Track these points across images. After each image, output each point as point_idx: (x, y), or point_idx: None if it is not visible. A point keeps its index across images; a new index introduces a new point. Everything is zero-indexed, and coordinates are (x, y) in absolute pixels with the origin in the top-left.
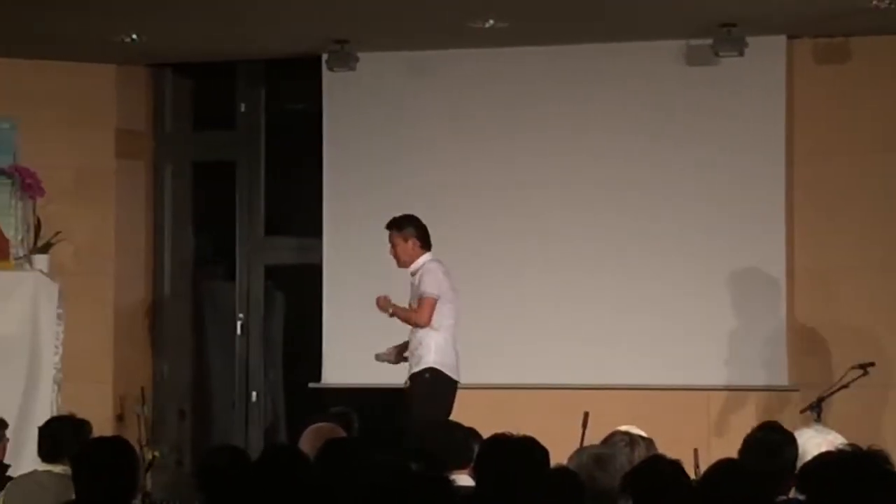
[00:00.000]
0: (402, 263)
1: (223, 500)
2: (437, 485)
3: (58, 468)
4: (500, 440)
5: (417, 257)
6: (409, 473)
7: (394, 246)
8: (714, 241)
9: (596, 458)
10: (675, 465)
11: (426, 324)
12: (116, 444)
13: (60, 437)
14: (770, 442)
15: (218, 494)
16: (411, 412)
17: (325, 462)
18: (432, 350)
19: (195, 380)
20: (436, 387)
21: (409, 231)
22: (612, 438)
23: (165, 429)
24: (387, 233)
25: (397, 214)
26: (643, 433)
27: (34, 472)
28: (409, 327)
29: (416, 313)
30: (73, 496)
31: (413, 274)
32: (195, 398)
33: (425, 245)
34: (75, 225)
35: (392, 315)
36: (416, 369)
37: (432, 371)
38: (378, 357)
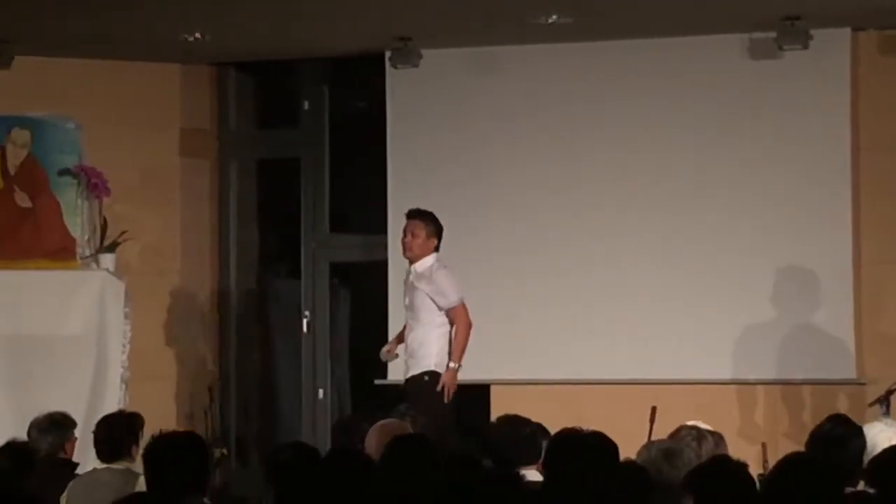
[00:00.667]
0: (412, 255)
1: (293, 496)
2: (508, 480)
3: (118, 465)
4: (570, 435)
5: (426, 255)
6: (480, 469)
7: (413, 236)
8: (780, 234)
9: (665, 452)
10: (739, 466)
11: (470, 324)
12: (189, 439)
13: (115, 435)
14: (837, 435)
15: (288, 491)
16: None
17: (391, 459)
18: (434, 353)
19: (261, 378)
20: (434, 389)
21: (432, 228)
22: (680, 433)
23: (231, 427)
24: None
25: (421, 208)
26: (710, 428)
27: (94, 470)
28: (408, 323)
29: (462, 330)
30: (134, 490)
31: (418, 271)
32: (261, 396)
33: (437, 247)
34: (141, 224)
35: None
36: (414, 371)
37: (432, 374)
38: (383, 356)
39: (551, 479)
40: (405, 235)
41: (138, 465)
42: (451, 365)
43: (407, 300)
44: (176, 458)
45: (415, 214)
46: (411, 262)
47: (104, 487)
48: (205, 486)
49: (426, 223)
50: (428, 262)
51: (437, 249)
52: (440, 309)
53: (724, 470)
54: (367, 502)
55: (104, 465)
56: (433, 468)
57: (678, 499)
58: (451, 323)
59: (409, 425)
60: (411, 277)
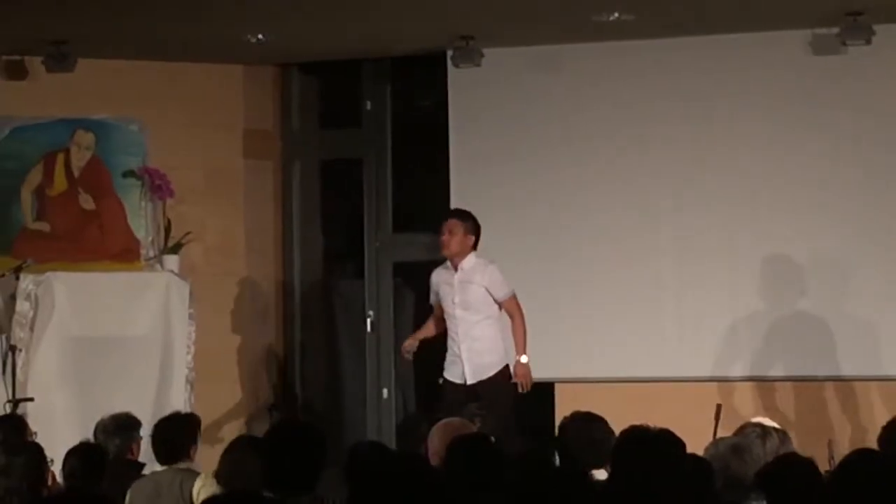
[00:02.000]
0: (452, 253)
1: (369, 495)
2: (576, 480)
3: (178, 465)
4: (638, 432)
5: (466, 252)
6: (548, 469)
7: (452, 234)
8: (843, 232)
9: (732, 447)
10: (809, 464)
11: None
12: (308, 428)
13: (173, 436)
14: None
15: (364, 489)
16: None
17: (457, 459)
18: (503, 348)
19: (326, 377)
20: (510, 385)
21: (472, 228)
22: (745, 430)
23: None
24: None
25: (463, 208)
26: (776, 424)
27: (154, 472)
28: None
29: (522, 320)
30: (193, 489)
31: (466, 268)
32: (326, 396)
33: (475, 247)
34: (205, 225)
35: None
36: (491, 370)
37: (507, 369)
38: (406, 351)
39: (619, 476)
40: (442, 234)
41: (197, 466)
42: (523, 359)
43: (457, 299)
44: (296, 443)
45: (452, 213)
46: (451, 259)
47: (164, 488)
48: (320, 472)
49: (463, 221)
50: (473, 258)
51: (475, 247)
52: (495, 301)
53: (794, 467)
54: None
55: (164, 467)
56: (499, 468)
57: (747, 493)
58: (508, 314)
59: (478, 424)
60: (458, 276)
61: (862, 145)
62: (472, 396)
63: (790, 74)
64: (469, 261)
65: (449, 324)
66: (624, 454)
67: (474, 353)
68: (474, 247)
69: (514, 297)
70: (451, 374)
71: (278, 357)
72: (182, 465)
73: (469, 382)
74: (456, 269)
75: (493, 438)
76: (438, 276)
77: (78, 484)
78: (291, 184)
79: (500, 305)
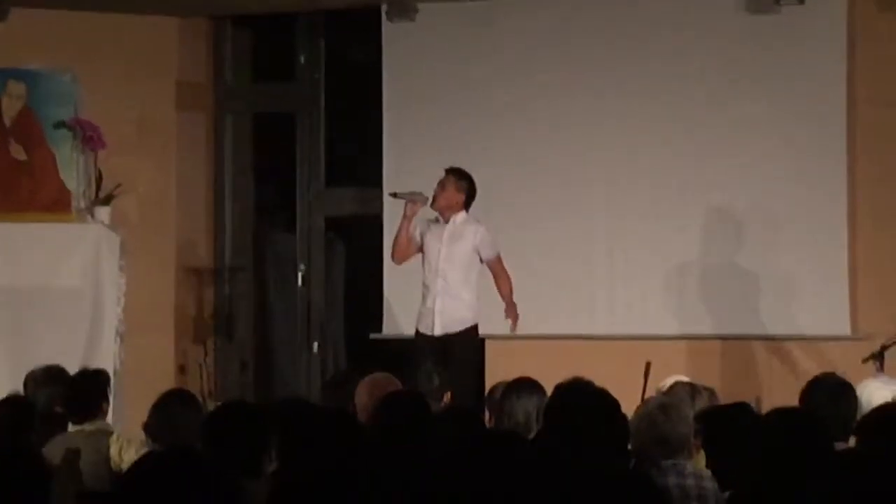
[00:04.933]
0: (441, 207)
1: (297, 452)
2: (504, 438)
3: (90, 426)
4: (573, 388)
5: (453, 208)
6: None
7: (444, 188)
8: (775, 188)
9: (661, 406)
10: (744, 406)
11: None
12: (254, 412)
13: (84, 394)
14: (830, 389)
15: (291, 447)
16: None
17: (383, 415)
18: (477, 306)
19: (256, 331)
20: (478, 343)
21: (464, 186)
22: (674, 389)
23: (227, 380)
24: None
25: (455, 166)
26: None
27: (66, 434)
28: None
29: (506, 279)
30: (109, 450)
31: (457, 223)
32: (256, 349)
33: (467, 206)
34: (136, 177)
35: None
36: (462, 326)
37: (476, 328)
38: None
39: (552, 431)
40: (436, 187)
41: (108, 423)
42: (514, 303)
43: (444, 252)
44: (237, 432)
45: (451, 171)
46: (441, 213)
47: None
48: (266, 455)
49: (456, 178)
50: (463, 215)
51: (466, 207)
52: (482, 261)
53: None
54: (361, 462)
55: (76, 427)
56: (429, 425)
57: (673, 452)
58: (494, 273)
59: (436, 382)
60: (449, 229)
61: (796, 103)
62: (439, 348)
63: (725, 33)
64: (460, 217)
65: (426, 275)
66: (560, 409)
67: (447, 310)
68: (465, 206)
69: (500, 258)
70: (422, 325)
71: (209, 310)
72: (94, 426)
73: (437, 334)
74: (447, 222)
75: (448, 394)
76: (424, 227)
77: (6, 437)
78: (224, 137)
79: (488, 265)
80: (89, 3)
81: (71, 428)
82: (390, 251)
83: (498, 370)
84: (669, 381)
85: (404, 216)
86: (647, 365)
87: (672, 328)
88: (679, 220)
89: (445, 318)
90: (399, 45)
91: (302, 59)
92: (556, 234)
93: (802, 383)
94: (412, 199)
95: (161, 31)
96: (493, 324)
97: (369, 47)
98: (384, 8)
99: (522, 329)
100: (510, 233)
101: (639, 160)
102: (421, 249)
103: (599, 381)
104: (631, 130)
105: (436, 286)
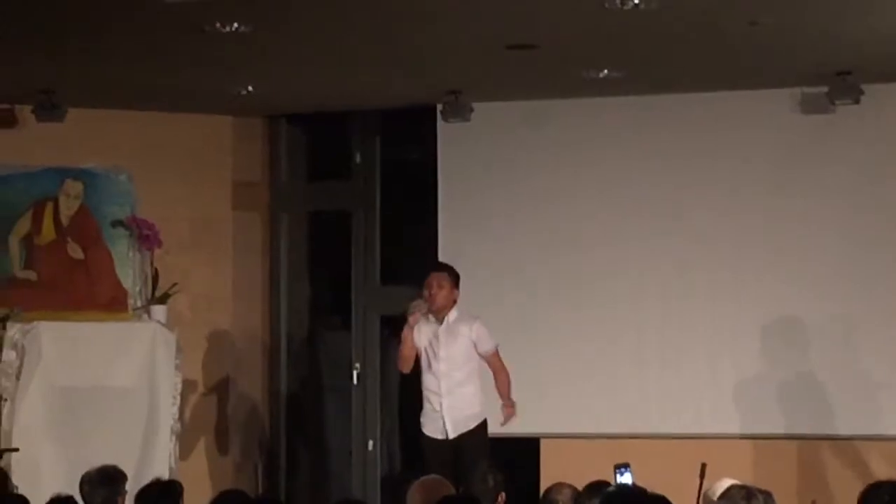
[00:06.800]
0: (439, 307)
1: None
2: None
3: None
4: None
5: (451, 306)
6: None
7: (441, 288)
8: (832, 288)
9: None
10: None
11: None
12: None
13: None
14: (889, 497)
15: None
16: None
17: None
18: (482, 402)
19: (312, 430)
20: (487, 438)
21: (456, 282)
22: (730, 492)
23: (282, 480)
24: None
25: (447, 263)
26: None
27: None
28: (441, 376)
29: (504, 374)
30: None
31: (451, 321)
32: (312, 448)
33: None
34: (192, 276)
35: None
36: (473, 423)
37: (485, 423)
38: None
39: None
40: (430, 287)
41: None
42: (513, 400)
43: (443, 353)
44: None
45: (441, 267)
46: (437, 313)
47: None
48: None
49: (450, 275)
50: (455, 312)
51: (455, 301)
52: (480, 355)
53: None
54: None
55: None
56: None
57: None
58: (492, 368)
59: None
60: (444, 328)
61: (849, 204)
62: (452, 451)
63: (780, 132)
64: (454, 313)
65: (428, 378)
66: None
67: (456, 408)
68: (455, 301)
69: (498, 352)
70: (431, 429)
71: (264, 409)
72: None
73: (451, 437)
74: (441, 322)
75: (503, 495)
76: (416, 329)
77: None
78: (279, 235)
79: (485, 359)
80: (145, 103)
81: None
82: (398, 363)
83: (552, 470)
84: (723, 485)
85: (408, 326)
86: (703, 466)
87: (730, 428)
88: (733, 325)
89: (456, 418)
90: (454, 144)
91: (357, 158)
92: (610, 336)
93: (862, 485)
94: (416, 308)
95: (216, 130)
96: (546, 422)
97: (425, 146)
98: (440, 108)
99: (577, 428)
100: (562, 335)
101: (690, 265)
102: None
103: (653, 481)
104: (685, 235)
105: (440, 388)
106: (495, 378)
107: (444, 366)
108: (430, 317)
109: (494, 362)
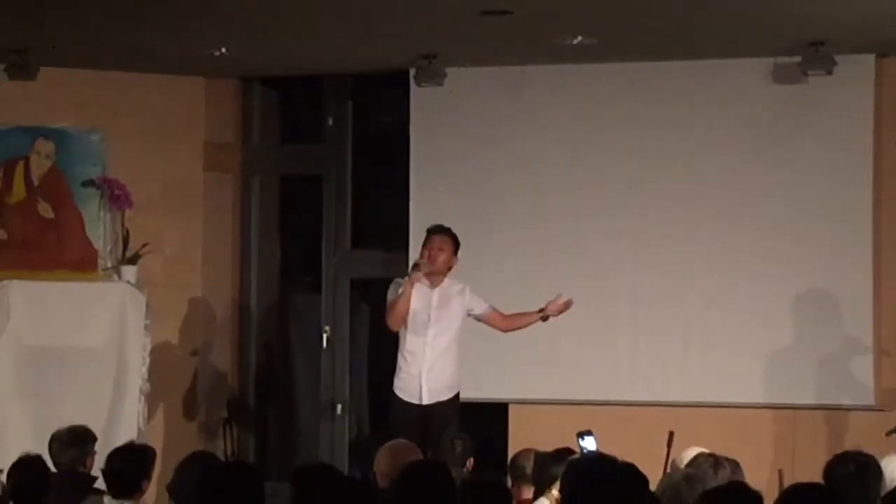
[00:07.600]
0: (440, 270)
1: None
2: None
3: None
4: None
5: (446, 274)
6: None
7: (443, 250)
8: (799, 258)
9: (686, 477)
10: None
11: None
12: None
13: (128, 469)
14: (855, 467)
15: None
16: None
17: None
18: (459, 374)
19: (280, 392)
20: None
21: (455, 249)
22: (697, 461)
23: (250, 441)
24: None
25: (445, 224)
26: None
27: (94, 499)
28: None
29: (510, 314)
30: None
31: (446, 287)
32: (280, 410)
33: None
34: (163, 237)
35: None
36: (450, 394)
37: (458, 394)
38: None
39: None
40: (431, 248)
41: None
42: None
43: (434, 316)
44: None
45: (444, 231)
46: (432, 277)
47: None
48: None
49: (455, 243)
50: (448, 278)
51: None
52: (479, 317)
53: (738, 495)
54: None
55: (115, 501)
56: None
57: None
58: (498, 317)
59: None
60: (438, 293)
61: (822, 173)
62: (423, 416)
63: (751, 102)
64: (447, 280)
65: (412, 341)
66: (582, 484)
67: (434, 376)
68: (450, 268)
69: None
70: (405, 393)
71: (233, 370)
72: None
73: (425, 402)
74: (434, 286)
75: (471, 461)
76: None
77: (21, 499)
78: (250, 198)
79: (486, 318)
80: (118, 62)
81: (108, 502)
82: (388, 317)
83: (520, 436)
84: (689, 453)
85: (409, 281)
86: (671, 435)
87: (697, 397)
88: (702, 293)
89: (433, 386)
90: (426, 108)
91: (330, 121)
92: (582, 303)
93: (826, 454)
94: (417, 266)
95: (189, 91)
96: (514, 388)
97: (397, 110)
98: (412, 72)
99: (545, 394)
100: (534, 300)
101: (662, 231)
102: None
103: (620, 449)
104: (655, 197)
105: (423, 353)
106: (508, 321)
107: (433, 330)
108: (424, 280)
109: (496, 314)
